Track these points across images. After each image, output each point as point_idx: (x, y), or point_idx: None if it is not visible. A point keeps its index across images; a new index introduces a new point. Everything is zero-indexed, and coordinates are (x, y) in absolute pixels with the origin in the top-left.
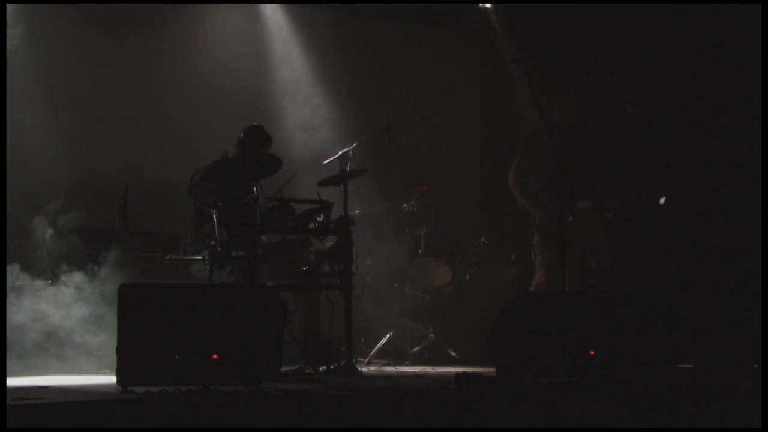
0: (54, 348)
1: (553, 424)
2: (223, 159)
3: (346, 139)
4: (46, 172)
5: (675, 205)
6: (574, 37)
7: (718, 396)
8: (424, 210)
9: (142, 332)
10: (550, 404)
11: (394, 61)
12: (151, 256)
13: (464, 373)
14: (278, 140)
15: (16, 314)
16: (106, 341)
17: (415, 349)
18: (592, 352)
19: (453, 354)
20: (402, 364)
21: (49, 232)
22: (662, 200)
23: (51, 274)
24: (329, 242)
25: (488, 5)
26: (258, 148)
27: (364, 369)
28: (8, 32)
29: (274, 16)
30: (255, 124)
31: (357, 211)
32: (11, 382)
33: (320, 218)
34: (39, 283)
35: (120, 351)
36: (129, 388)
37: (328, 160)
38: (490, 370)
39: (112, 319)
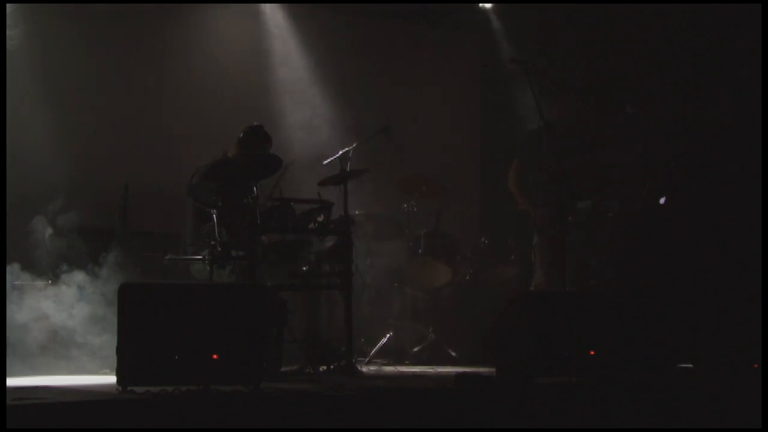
0: (54, 348)
1: (553, 424)
2: (222, 159)
3: (345, 139)
4: (45, 171)
5: (675, 205)
6: (574, 38)
7: (718, 396)
8: (424, 210)
9: (142, 332)
10: (550, 404)
11: (394, 61)
12: (151, 256)
13: (464, 373)
14: (278, 140)
15: (16, 314)
16: (107, 341)
17: (415, 349)
18: (592, 352)
19: (453, 354)
20: (402, 364)
21: (49, 231)
22: (662, 200)
23: (51, 274)
24: (329, 242)
25: (488, 5)
26: (258, 148)
27: (364, 369)
28: (8, 32)
29: (274, 16)
30: (255, 124)
31: (357, 211)
32: (12, 382)
33: (320, 218)
34: (39, 282)
35: (120, 351)
36: (129, 388)
37: (328, 160)
38: (490, 370)
39: (113, 318)
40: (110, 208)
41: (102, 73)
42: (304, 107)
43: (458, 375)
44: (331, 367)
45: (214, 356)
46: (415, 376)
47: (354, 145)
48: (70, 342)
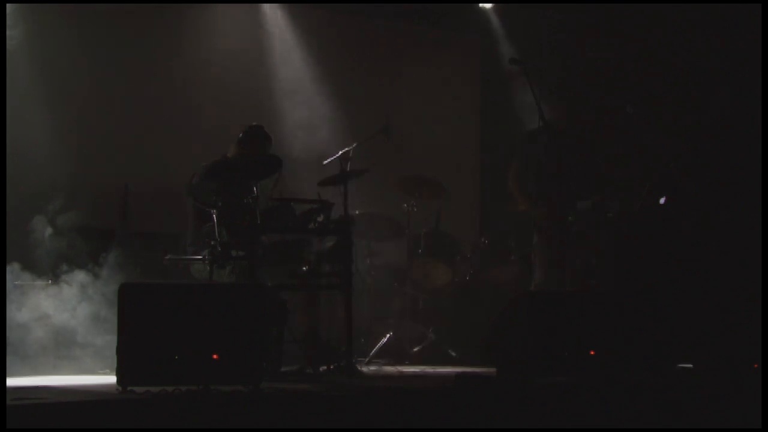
0: (54, 348)
1: (552, 424)
2: (222, 159)
3: (345, 139)
4: (45, 171)
5: (675, 205)
6: (574, 38)
7: (718, 396)
8: (424, 210)
9: (142, 332)
10: (550, 404)
11: (394, 61)
12: (151, 256)
13: (464, 373)
14: (278, 140)
15: (16, 314)
16: (107, 341)
17: (415, 349)
18: (592, 352)
19: (453, 354)
20: (402, 364)
21: (49, 231)
22: (662, 200)
23: (51, 274)
24: (329, 242)
25: (488, 5)
26: (258, 148)
27: (364, 369)
28: (8, 32)
29: (274, 15)
30: (255, 124)
31: (357, 211)
32: (12, 382)
33: (320, 218)
34: (39, 282)
35: (120, 351)
36: (129, 388)
37: (328, 160)
38: (490, 370)
39: (113, 318)
40: (110, 208)
41: (102, 73)
42: (304, 107)
43: (458, 375)
44: (331, 367)
45: (214, 356)
46: (415, 376)
47: (354, 145)
48: (70, 342)
